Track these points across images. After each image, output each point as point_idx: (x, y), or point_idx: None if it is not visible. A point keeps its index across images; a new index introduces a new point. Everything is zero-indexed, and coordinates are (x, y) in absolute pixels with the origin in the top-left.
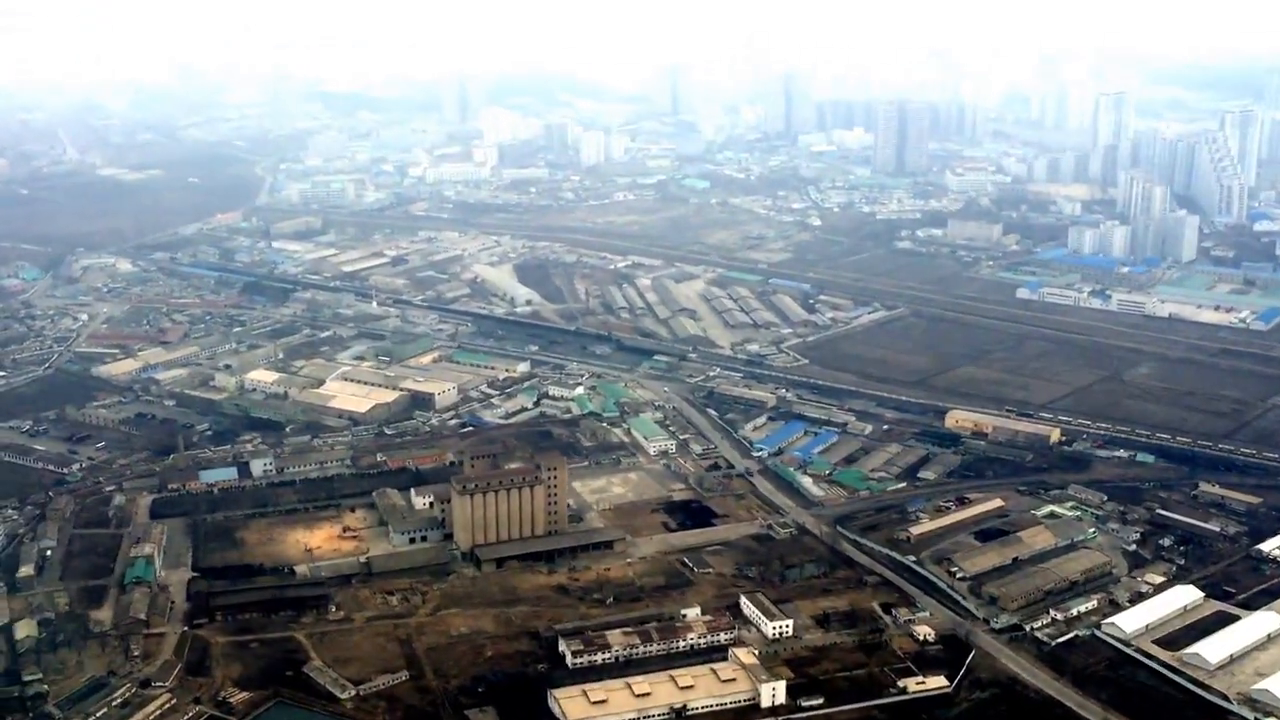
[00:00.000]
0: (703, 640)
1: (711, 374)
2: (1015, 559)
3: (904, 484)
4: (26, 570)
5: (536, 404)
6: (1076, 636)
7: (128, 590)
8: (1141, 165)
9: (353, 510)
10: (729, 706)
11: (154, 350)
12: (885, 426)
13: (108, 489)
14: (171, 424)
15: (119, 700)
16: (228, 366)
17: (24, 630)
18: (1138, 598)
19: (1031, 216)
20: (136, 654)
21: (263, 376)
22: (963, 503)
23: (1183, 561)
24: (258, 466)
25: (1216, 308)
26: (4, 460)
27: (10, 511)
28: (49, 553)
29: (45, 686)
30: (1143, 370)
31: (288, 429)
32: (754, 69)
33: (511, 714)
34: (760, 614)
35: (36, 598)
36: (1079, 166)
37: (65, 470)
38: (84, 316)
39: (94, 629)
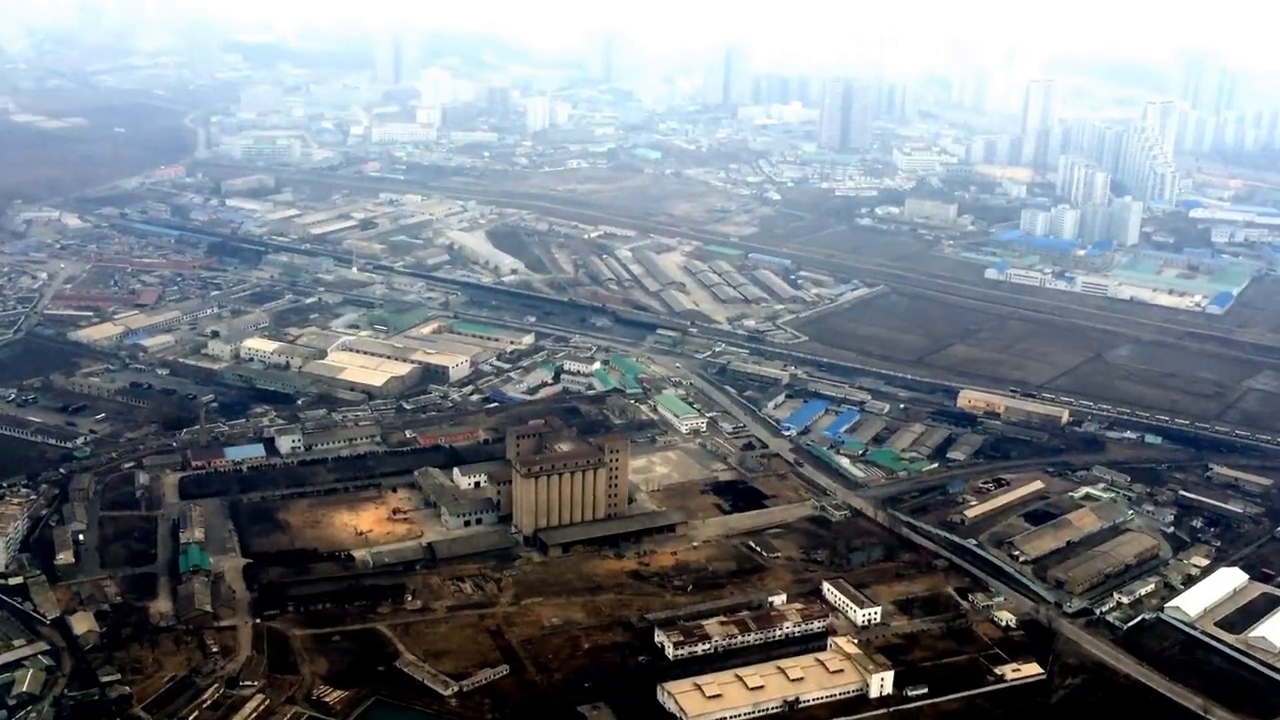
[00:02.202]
0: (797, 629)
1: (717, 349)
2: (1069, 542)
3: (936, 464)
4: (65, 557)
5: (556, 379)
6: (1143, 619)
7: (184, 579)
8: (1071, 151)
9: (394, 490)
10: (838, 698)
11: (132, 314)
12: (901, 406)
13: (126, 466)
14: (171, 394)
15: (208, 702)
16: (215, 333)
17: (83, 625)
18: (1189, 580)
19: (982, 198)
20: (215, 650)
21: (261, 345)
22: (1000, 484)
23: (1218, 544)
24: (285, 443)
25: (1170, 291)
26: (1, 433)
27: (24, 490)
28: (81, 537)
29: (127, 688)
30: (1122, 352)
31: (299, 401)
32: (689, 39)
33: (623, 709)
34: (847, 601)
35: (84, 588)
36: (1014, 150)
37: (70, 444)
38: (43, 275)
39: (157, 622)
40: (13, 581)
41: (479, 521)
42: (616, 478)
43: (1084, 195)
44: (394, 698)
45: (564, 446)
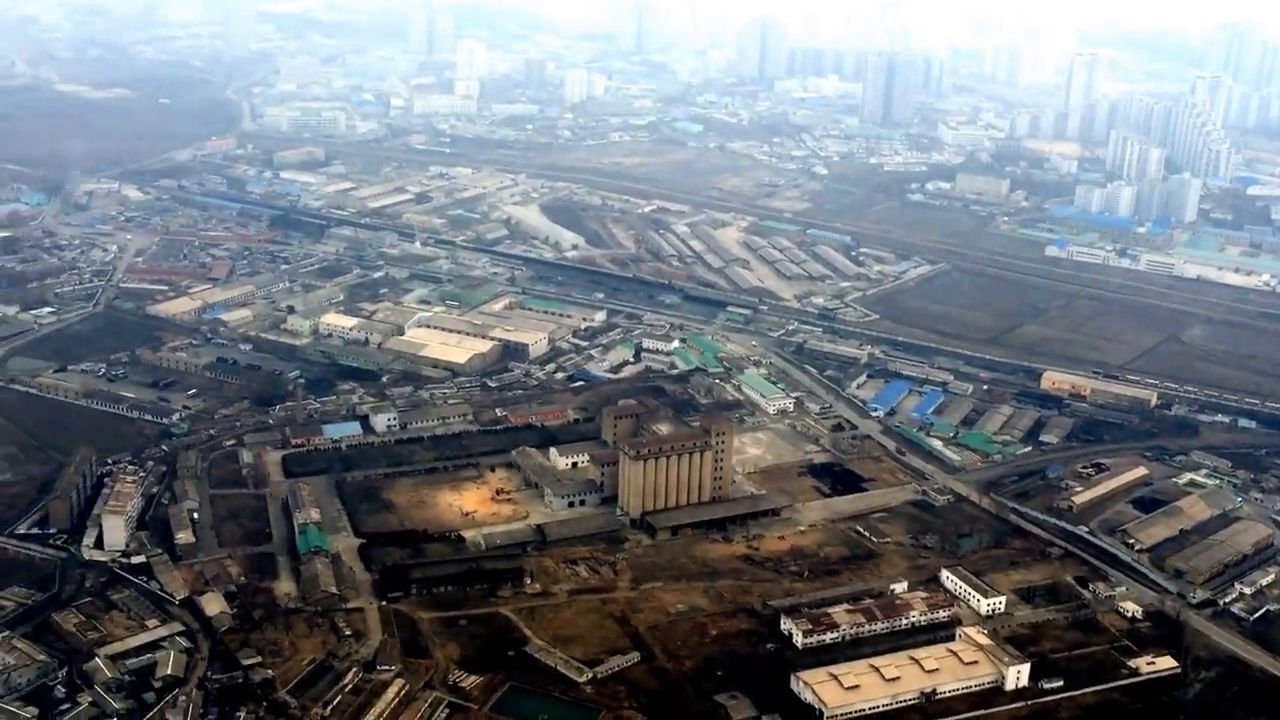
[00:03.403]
0: (923, 618)
1: (790, 327)
2: (1181, 530)
3: (1029, 448)
4: (185, 536)
5: (637, 357)
6: (1268, 610)
7: (305, 560)
8: (1118, 125)
9: (492, 470)
10: (974, 690)
11: (206, 288)
12: (984, 387)
13: (228, 443)
14: (257, 370)
15: (349, 686)
16: (290, 308)
17: (214, 606)
18: None
19: (1033, 173)
20: (348, 633)
21: (339, 321)
22: (1101, 469)
23: None
24: (381, 422)
25: (1236, 270)
26: (96, 408)
27: (130, 466)
28: (195, 516)
29: (269, 671)
30: (1196, 332)
31: (384, 379)
32: (720, 10)
33: (757, 698)
34: (969, 589)
35: (208, 567)
36: (1059, 124)
37: (166, 420)
38: (113, 248)
39: (285, 604)
40: (135, 560)
41: (582, 503)
42: (721, 460)
43: (1137, 172)
44: (528, 684)
45: (662, 428)
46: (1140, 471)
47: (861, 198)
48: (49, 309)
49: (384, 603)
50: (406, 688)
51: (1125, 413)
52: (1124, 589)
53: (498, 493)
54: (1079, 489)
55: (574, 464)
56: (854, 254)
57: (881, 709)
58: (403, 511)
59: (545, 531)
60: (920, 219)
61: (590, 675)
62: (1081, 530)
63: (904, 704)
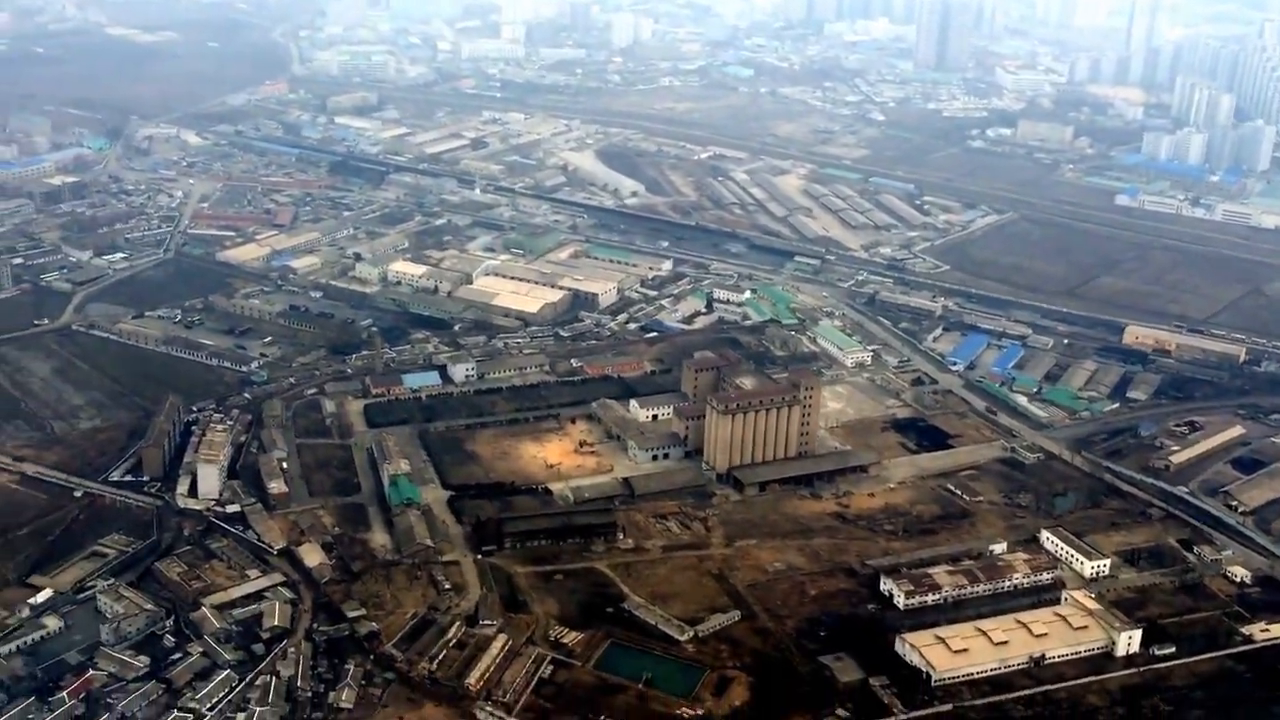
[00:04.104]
0: (1026, 580)
1: (859, 278)
2: None
3: (1116, 404)
4: (278, 486)
5: (709, 308)
6: None
7: (397, 511)
8: (1183, 70)
9: (573, 421)
10: (1083, 655)
11: (272, 234)
12: (1064, 341)
13: (309, 392)
14: (329, 318)
15: (453, 640)
16: (357, 255)
17: (313, 557)
18: None
19: (1097, 119)
20: (448, 587)
21: (407, 269)
22: (1195, 428)
23: None
24: (459, 372)
25: None
26: (175, 355)
27: (216, 414)
28: (285, 466)
29: (374, 624)
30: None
31: (456, 328)
32: None
33: (862, 660)
34: (1072, 551)
35: (302, 518)
36: (1120, 69)
37: (245, 368)
38: (178, 194)
39: (381, 556)
40: (230, 510)
41: (666, 456)
42: (809, 415)
43: (1206, 118)
44: (628, 641)
45: (746, 381)
46: (1237, 430)
47: (921, 144)
48: (121, 254)
49: (479, 556)
50: (510, 643)
51: (1214, 369)
52: (1230, 552)
53: (581, 445)
54: (1175, 448)
55: (654, 416)
56: (918, 203)
57: (989, 673)
58: (487, 463)
59: (633, 485)
60: (982, 166)
61: (692, 634)
62: (1181, 491)
63: (1012, 669)
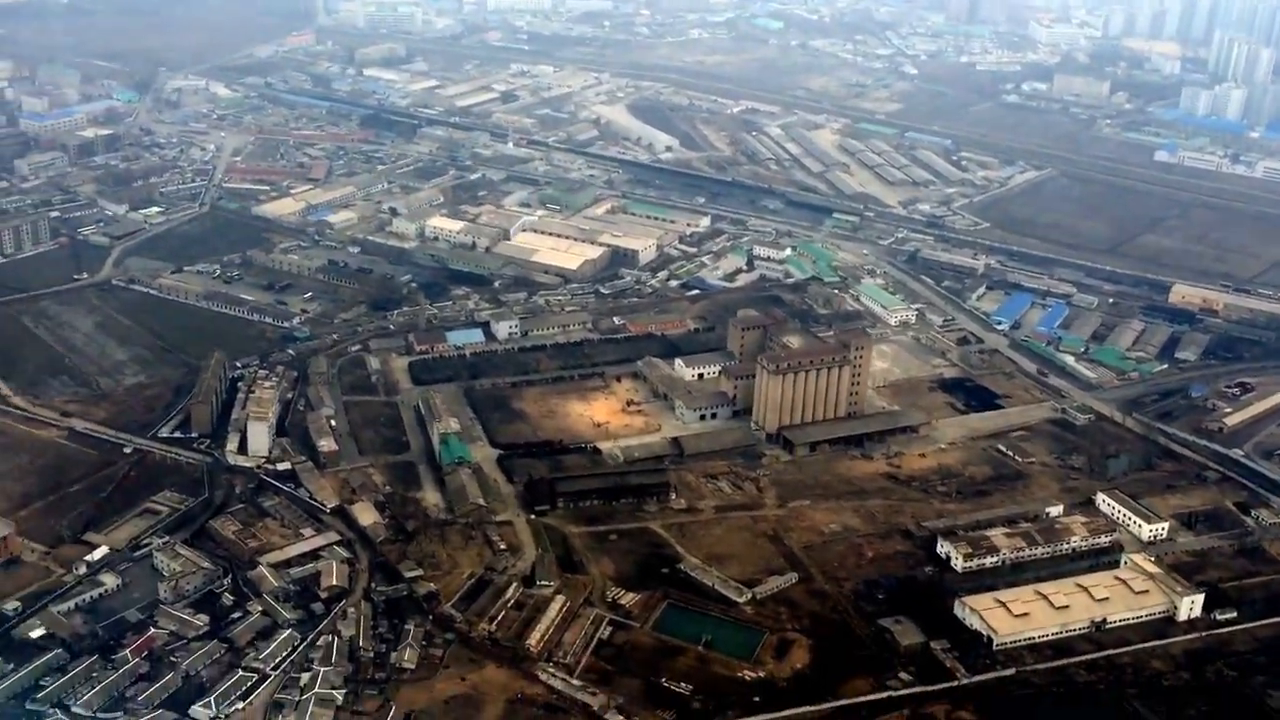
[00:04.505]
0: (1084, 543)
1: (899, 235)
2: None
3: (1165, 365)
4: (328, 445)
5: (750, 265)
6: None
7: (448, 471)
8: (1220, 24)
9: (618, 380)
10: (1144, 620)
11: (307, 189)
12: (1110, 300)
13: (353, 349)
14: (368, 273)
15: (511, 601)
16: (393, 210)
17: (366, 516)
18: None
19: (1134, 74)
20: (503, 547)
21: (445, 224)
22: (1245, 389)
23: None
24: (503, 329)
25: None
26: (216, 310)
27: (261, 371)
28: (333, 423)
29: (432, 585)
30: None
31: (496, 284)
32: None
33: (921, 623)
34: (1129, 514)
35: (353, 476)
36: (1155, 23)
37: (287, 324)
38: (211, 147)
39: (435, 515)
40: (280, 467)
41: (714, 415)
42: (859, 375)
43: (1245, 73)
44: (685, 603)
45: (793, 340)
46: None
47: (955, 99)
48: (157, 208)
49: (532, 516)
50: (568, 604)
51: (1263, 329)
52: None
53: (628, 404)
54: (1228, 410)
55: (700, 375)
56: (955, 158)
57: (1050, 638)
58: (535, 421)
59: (682, 445)
60: (1018, 122)
61: (750, 596)
62: (1236, 454)
63: (1073, 633)
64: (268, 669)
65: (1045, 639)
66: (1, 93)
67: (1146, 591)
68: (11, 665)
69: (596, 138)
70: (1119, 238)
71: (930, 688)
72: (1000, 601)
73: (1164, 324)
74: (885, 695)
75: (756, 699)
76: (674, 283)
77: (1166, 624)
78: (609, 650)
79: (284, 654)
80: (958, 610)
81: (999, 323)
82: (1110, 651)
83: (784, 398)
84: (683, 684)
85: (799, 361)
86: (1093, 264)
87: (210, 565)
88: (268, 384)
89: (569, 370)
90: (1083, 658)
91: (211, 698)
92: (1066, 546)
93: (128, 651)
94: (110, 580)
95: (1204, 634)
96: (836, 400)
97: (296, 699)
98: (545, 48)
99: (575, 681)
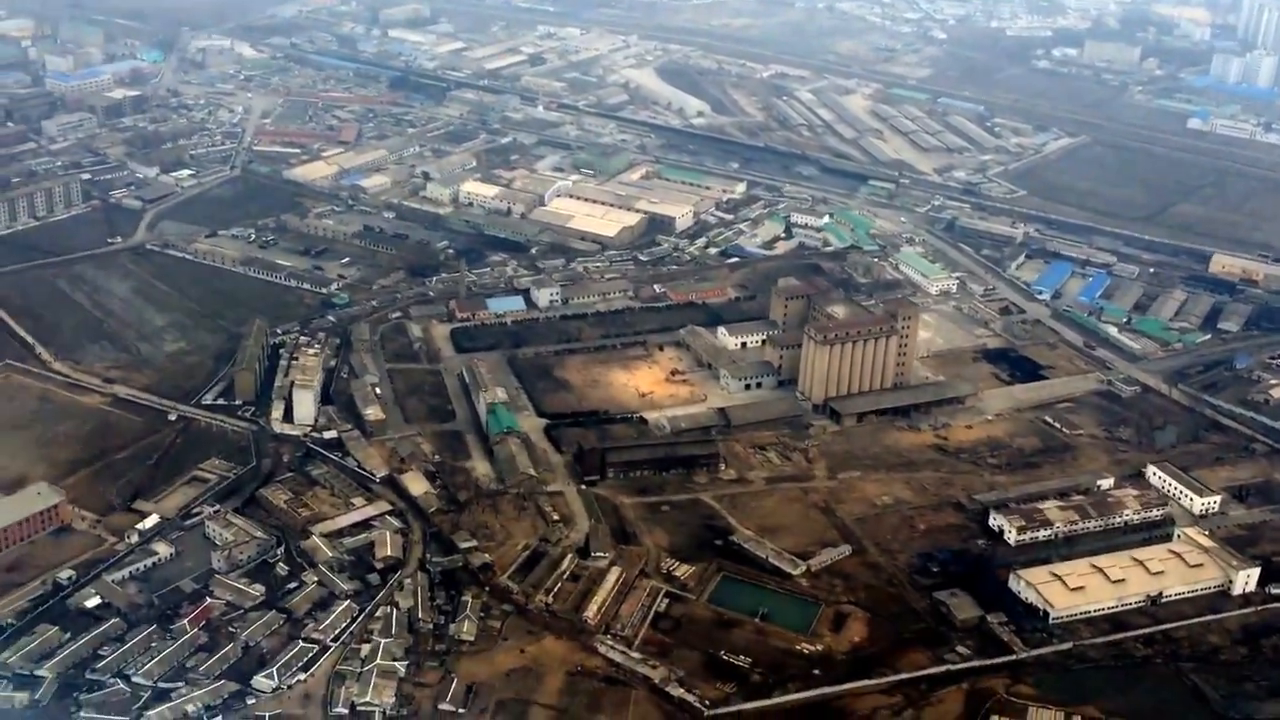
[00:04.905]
0: (1136, 516)
1: (935, 203)
2: None
3: (1208, 335)
4: (375, 413)
5: (788, 233)
6: None
7: (497, 440)
8: None
9: (660, 349)
10: (1199, 593)
11: (338, 152)
12: (1150, 270)
13: (394, 315)
14: (404, 239)
15: (567, 573)
16: (426, 174)
17: (417, 485)
18: None
19: (1164, 40)
20: (556, 518)
21: (479, 189)
22: None
23: None
24: (544, 297)
25: None
26: (253, 276)
27: (303, 338)
28: (378, 391)
29: (487, 556)
30: None
31: (533, 250)
32: None
33: (977, 596)
34: (1181, 487)
35: (403, 445)
36: None
37: (325, 290)
38: (239, 109)
39: (485, 486)
40: (327, 435)
41: (759, 385)
42: (906, 345)
43: (1276, 40)
44: (739, 575)
45: (838, 310)
46: None
47: (985, 64)
48: (188, 171)
49: (582, 486)
50: (623, 575)
51: None
52: None
53: (672, 373)
54: (1274, 381)
55: (743, 344)
56: (988, 124)
57: (1107, 611)
58: (580, 391)
59: (729, 415)
60: (1049, 88)
61: (804, 568)
62: None
63: (1129, 607)
64: (328, 640)
65: (1101, 613)
66: (25, 51)
67: (1201, 565)
68: (69, 634)
69: (626, 102)
70: (1155, 206)
71: (988, 661)
72: (1056, 575)
73: (1205, 294)
74: (944, 669)
75: (816, 672)
76: (713, 250)
77: (1221, 598)
78: (666, 622)
79: (343, 625)
80: (1012, 583)
81: (1040, 292)
82: (1166, 625)
83: (831, 368)
84: (742, 657)
85: (846, 332)
86: (1130, 233)
87: (263, 535)
88: (311, 351)
89: (611, 339)
90: (1139, 631)
91: (274, 669)
92: (1119, 520)
93: (185, 621)
94: (163, 549)
95: (1259, 608)
96: (883, 371)
97: (359, 670)
98: (570, 9)
99: (635, 654)
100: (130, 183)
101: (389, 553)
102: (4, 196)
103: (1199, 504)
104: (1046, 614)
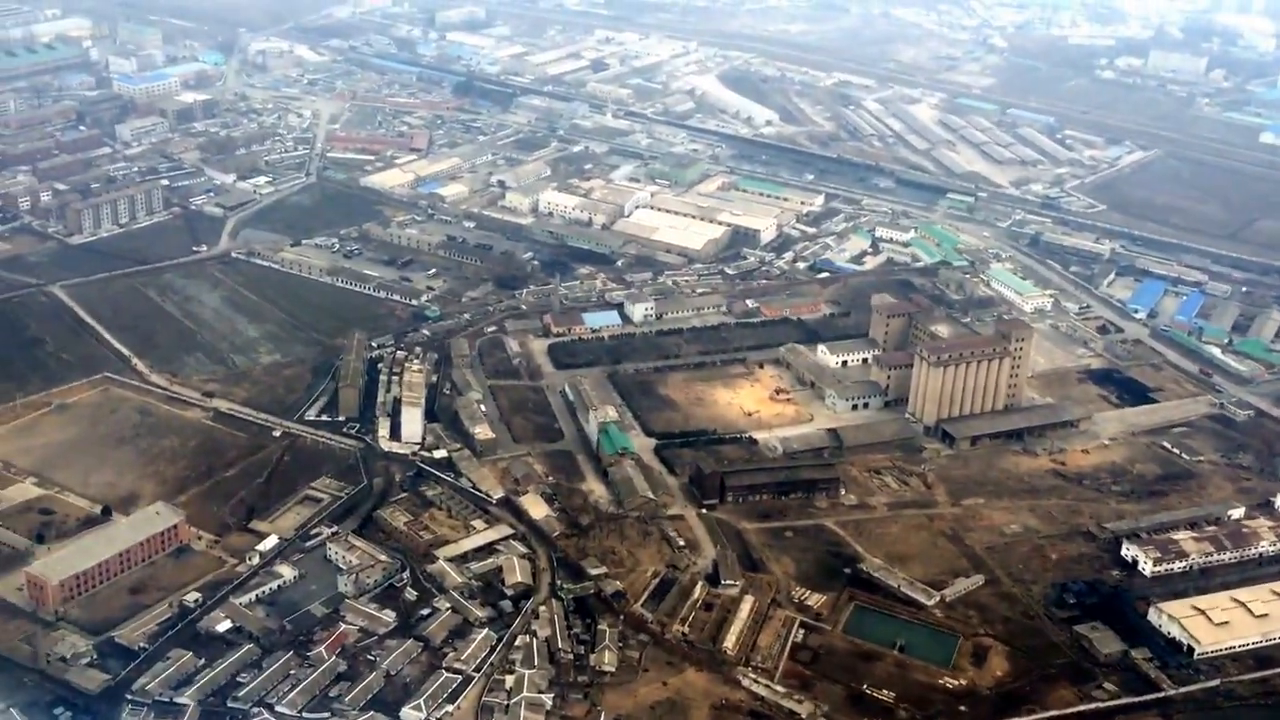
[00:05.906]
0: (1272, 548)
1: (1016, 217)
2: None
3: None
4: (484, 432)
5: (875, 248)
6: None
7: (611, 462)
8: None
9: (760, 366)
10: None
11: (412, 159)
12: (1243, 289)
13: (489, 330)
14: (488, 250)
15: (700, 601)
16: (502, 184)
17: (536, 508)
18: None
19: (1230, 50)
20: (682, 544)
21: (559, 200)
22: None
23: None
24: (638, 311)
25: None
26: (341, 286)
27: (399, 353)
28: (484, 409)
29: (619, 583)
30: None
31: (619, 263)
32: None
33: (1117, 630)
34: None
35: (515, 465)
36: None
37: (416, 302)
38: (307, 114)
39: (605, 509)
40: (436, 455)
41: (865, 405)
42: (1019, 367)
43: None
44: (871, 604)
45: (941, 329)
46: None
47: (1048, 74)
48: (264, 178)
49: (702, 510)
50: (757, 604)
51: None
52: None
53: (776, 392)
54: None
55: (843, 362)
56: (1059, 136)
57: (1251, 647)
58: (685, 409)
59: (841, 436)
60: (1115, 98)
61: (938, 598)
62: None
63: (1274, 642)
64: (470, 670)
65: (1246, 648)
66: (87, 52)
67: None
68: (203, 660)
69: (693, 110)
70: (1237, 223)
71: (1137, 699)
72: (1199, 609)
73: None
74: (1093, 706)
75: (962, 708)
76: (801, 264)
77: None
78: (805, 654)
79: (483, 654)
80: (1153, 617)
81: (1135, 310)
82: None
83: (943, 389)
84: (885, 691)
85: (960, 353)
86: (1217, 250)
87: (387, 558)
88: (416, 367)
89: (709, 355)
90: None
91: (420, 700)
92: (1254, 551)
93: (323, 649)
94: (288, 571)
95: None
96: (995, 393)
97: (506, 703)
98: (624, 12)
99: (779, 688)
100: (208, 189)
101: (519, 579)
102: (87, 204)
103: None
104: (1191, 649)
